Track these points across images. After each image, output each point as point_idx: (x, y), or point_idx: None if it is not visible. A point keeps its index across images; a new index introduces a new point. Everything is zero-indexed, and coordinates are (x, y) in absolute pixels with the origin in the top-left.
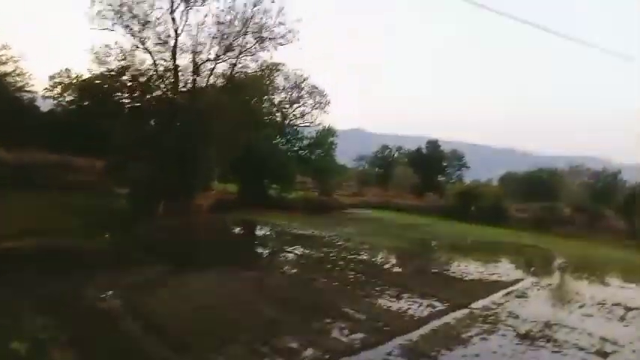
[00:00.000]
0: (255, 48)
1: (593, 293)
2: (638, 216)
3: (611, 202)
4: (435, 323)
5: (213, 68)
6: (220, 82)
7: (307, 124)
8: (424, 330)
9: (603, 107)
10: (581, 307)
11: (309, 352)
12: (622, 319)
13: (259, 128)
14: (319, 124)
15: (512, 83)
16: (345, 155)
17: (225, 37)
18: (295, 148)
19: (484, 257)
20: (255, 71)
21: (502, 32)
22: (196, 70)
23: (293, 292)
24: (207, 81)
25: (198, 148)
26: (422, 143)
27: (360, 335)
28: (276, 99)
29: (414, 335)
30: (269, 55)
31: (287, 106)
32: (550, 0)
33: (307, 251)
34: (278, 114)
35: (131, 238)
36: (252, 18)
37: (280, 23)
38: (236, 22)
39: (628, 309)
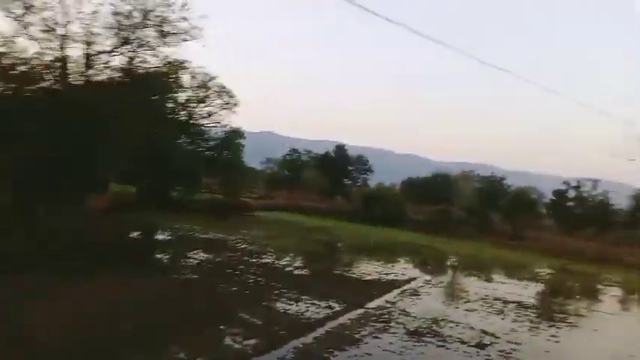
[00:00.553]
0: (155, 42)
1: (478, 289)
2: (519, 219)
3: (497, 206)
4: (331, 324)
5: (109, 61)
6: (117, 76)
7: (214, 125)
8: (319, 332)
9: (493, 119)
10: (466, 302)
11: None
12: (500, 312)
13: (161, 127)
14: (227, 125)
15: (416, 94)
16: (256, 158)
17: (122, 28)
18: (201, 149)
19: (383, 258)
20: (158, 67)
21: (411, 44)
22: (89, 62)
23: (187, 299)
24: (102, 74)
25: (86, 145)
26: (331, 148)
27: (253, 341)
28: (182, 97)
29: (309, 338)
30: (172, 51)
31: (193, 105)
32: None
33: (208, 255)
34: (183, 113)
35: (7, 242)
36: (153, 10)
37: (184, 18)
38: (135, 14)
39: (506, 302)
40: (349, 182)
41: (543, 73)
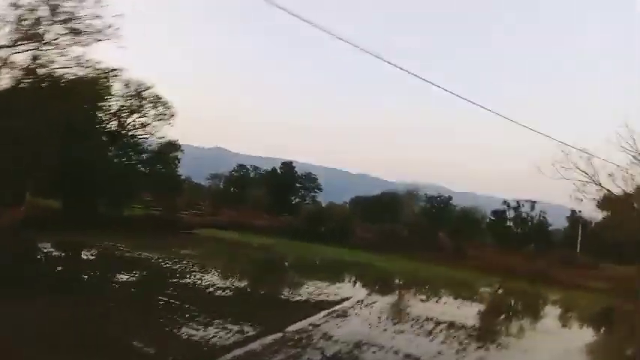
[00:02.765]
0: (64, 40)
1: (411, 309)
2: (463, 238)
3: (443, 225)
4: (238, 351)
5: (7, 58)
6: (20, 74)
7: (147, 136)
8: None
9: (443, 142)
10: (396, 323)
11: None
12: (429, 333)
13: (86, 137)
14: (162, 137)
15: (368, 115)
16: (206, 173)
17: (23, 22)
18: (133, 162)
19: (317, 277)
20: (85, 75)
21: (365, 63)
22: None
23: (76, 327)
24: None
25: None
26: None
27: None
28: (114, 106)
29: None
30: (84, 51)
31: (125, 114)
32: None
33: (122, 276)
34: (114, 122)
35: None
36: (60, 5)
37: (97, 16)
38: (40, 8)
39: (437, 323)
40: (297, 200)
41: (491, 94)
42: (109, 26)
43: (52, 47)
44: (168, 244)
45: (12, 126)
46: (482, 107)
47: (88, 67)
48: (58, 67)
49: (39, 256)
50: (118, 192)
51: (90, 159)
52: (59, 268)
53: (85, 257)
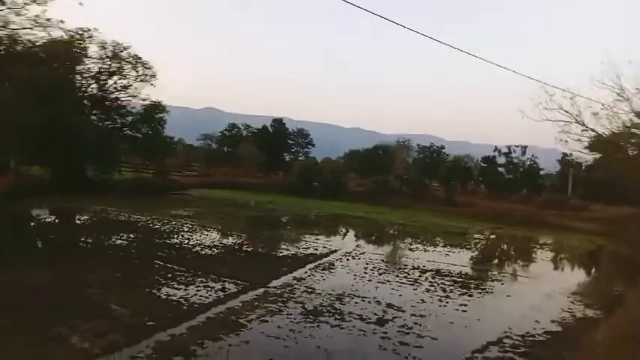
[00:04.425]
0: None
1: (400, 259)
2: (454, 185)
3: (435, 174)
4: (217, 309)
5: None
6: None
7: (129, 98)
8: (199, 319)
9: (436, 93)
10: (382, 274)
11: None
12: (415, 282)
13: (65, 101)
14: (145, 99)
15: (359, 69)
16: (197, 134)
17: None
18: (118, 125)
19: (307, 232)
20: (54, 38)
21: (352, 18)
22: None
23: (51, 292)
24: None
25: None
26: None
27: (110, 337)
28: (92, 69)
29: (183, 327)
30: (41, 9)
31: (104, 77)
32: None
33: (106, 238)
34: (94, 86)
35: None
36: None
37: None
38: None
39: (423, 271)
40: (290, 157)
41: (478, 38)
42: None
43: (6, 7)
44: (159, 206)
45: None
46: (470, 54)
47: (48, 27)
48: (16, 27)
49: (32, 223)
50: (104, 156)
51: (72, 123)
52: (52, 237)
53: (77, 222)
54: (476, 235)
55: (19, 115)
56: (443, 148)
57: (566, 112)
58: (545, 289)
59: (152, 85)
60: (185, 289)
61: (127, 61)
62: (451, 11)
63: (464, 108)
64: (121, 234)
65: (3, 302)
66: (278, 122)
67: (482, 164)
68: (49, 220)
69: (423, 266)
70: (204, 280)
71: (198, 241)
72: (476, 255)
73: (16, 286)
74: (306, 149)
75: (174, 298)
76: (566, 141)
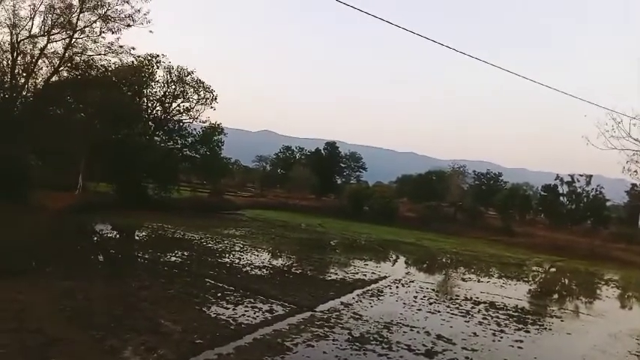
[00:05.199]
0: (95, 27)
1: (452, 288)
2: (512, 214)
3: (491, 202)
4: (264, 331)
5: (44, 48)
6: (56, 62)
7: (191, 120)
8: (246, 340)
9: (493, 119)
10: (432, 303)
11: None
12: (467, 314)
13: (132, 123)
14: (205, 121)
15: (416, 93)
16: (253, 156)
17: (54, 11)
18: (179, 145)
19: (357, 256)
20: (125, 63)
21: (411, 42)
22: (15, 47)
23: (106, 305)
24: (36, 62)
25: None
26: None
27: (160, 352)
28: (158, 92)
29: (230, 347)
30: (116, 37)
31: (169, 100)
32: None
33: (161, 255)
34: (159, 108)
35: None
36: None
37: (124, 1)
38: None
39: (477, 303)
40: (342, 180)
41: (540, 68)
42: (137, 11)
43: (85, 35)
44: (213, 225)
45: (59, 115)
46: (530, 80)
47: (121, 53)
48: (92, 54)
49: (94, 238)
50: (164, 175)
51: (138, 144)
52: (112, 251)
53: (129, 237)
54: (534, 268)
55: (92, 135)
56: (500, 175)
57: (636, 140)
58: (610, 328)
59: (212, 108)
60: (234, 309)
61: (191, 85)
62: (510, 36)
63: (521, 134)
64: (176, 251)
65: (62, 311)
66: (331, 145)
67: (542, 193)
68: (111, 235)
69: (477, 297)
70: (252, 300)
71: (249, 261)
72: (534, 288)
73: (76, 295)
74: (358, 173)
75: (223, 317)
76: (635, 171)
